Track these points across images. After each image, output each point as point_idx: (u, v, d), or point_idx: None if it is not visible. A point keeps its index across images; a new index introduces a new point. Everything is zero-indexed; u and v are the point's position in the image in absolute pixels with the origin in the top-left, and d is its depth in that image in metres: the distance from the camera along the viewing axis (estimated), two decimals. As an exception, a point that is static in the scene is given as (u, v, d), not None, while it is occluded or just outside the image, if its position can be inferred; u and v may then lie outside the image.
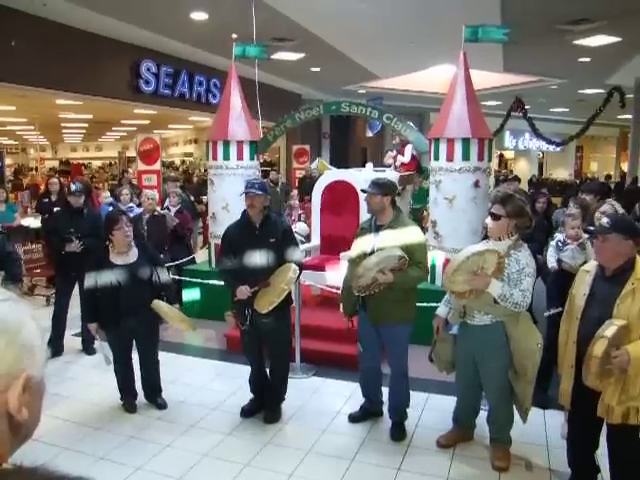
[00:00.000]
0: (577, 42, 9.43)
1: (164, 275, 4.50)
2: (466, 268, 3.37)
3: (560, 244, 4.47)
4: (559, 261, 4.43)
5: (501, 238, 3.49)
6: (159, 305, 4.31)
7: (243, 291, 4.03)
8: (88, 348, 5.72)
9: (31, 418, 0.78)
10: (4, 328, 0.76)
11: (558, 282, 4.32)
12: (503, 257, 3.37)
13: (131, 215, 5.62)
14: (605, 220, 3.04)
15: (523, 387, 3.57)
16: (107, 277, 4.22)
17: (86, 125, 18.70)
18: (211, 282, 6.25)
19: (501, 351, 3.51)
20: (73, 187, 5.73)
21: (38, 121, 15.75)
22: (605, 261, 3.00)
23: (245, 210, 4.22)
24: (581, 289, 3.11)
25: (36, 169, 20.74)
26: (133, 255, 4.34)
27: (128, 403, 4.51)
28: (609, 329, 2.76)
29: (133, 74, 10.50)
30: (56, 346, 5.60)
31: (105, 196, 8.99)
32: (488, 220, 3.56)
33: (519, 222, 3.48)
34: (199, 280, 6.78)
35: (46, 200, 8.19)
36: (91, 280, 4.27)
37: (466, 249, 3.49)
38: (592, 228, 3.31)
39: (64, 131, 21.28)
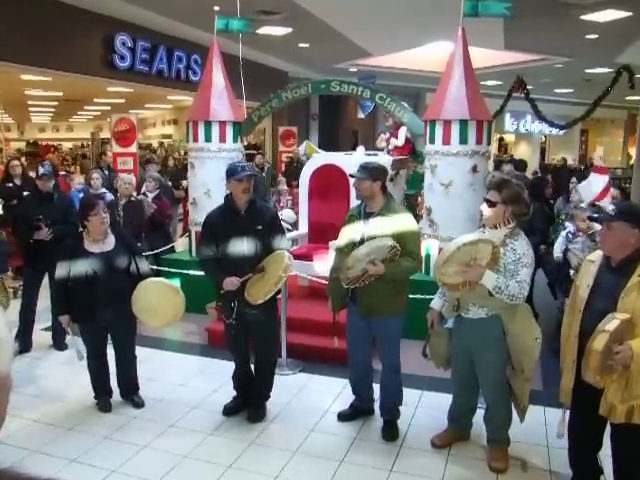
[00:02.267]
0: (584, 17, 9.41)
1: (143, 265, 4.48)
2: (458, 259, 3.38)
3: (570, 235, 4.53)
4: (565, 251, 4.49)
5: (497, 226, 3.51)
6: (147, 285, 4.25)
7: (232, 282, 4.02)
8: (59, 343, 5.70)
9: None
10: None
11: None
12: (498, 247, 3.39)
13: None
14: (611, 207, 3.07)
15: (521, 384, 3.61)
16: (81, 266, 4.20)
17: (56, 103, 18.49)
18: (191, 272, 6.24)
19: (497, 346, 3.54)
20: (42, 170, 5.66)
21: (2, 98, 15.53)
22: (610, 250, 3.03)
23: (228, 195, 4.20)
24: (585, 280, 3.13)
25: (0, 150, 20.50)
26: (109, 243, 4.32)
27: (102, 402, 4.52)
28: (611, 323, 2.78)
29: (107, 48, 10.37)
30: (24, 341, 5.58)
31: (77, 182, 8.90)
32: (483, 207, 3.57)
33: (516, 209, 3.49)
34: (179, 270, 6.77)
35: (10, 185, 8.10)
36: (63, 269, 4.24)
37: (458, 239, 3.50)
38: (596, 215, 3.33)
39: (31, 109, 21.01)
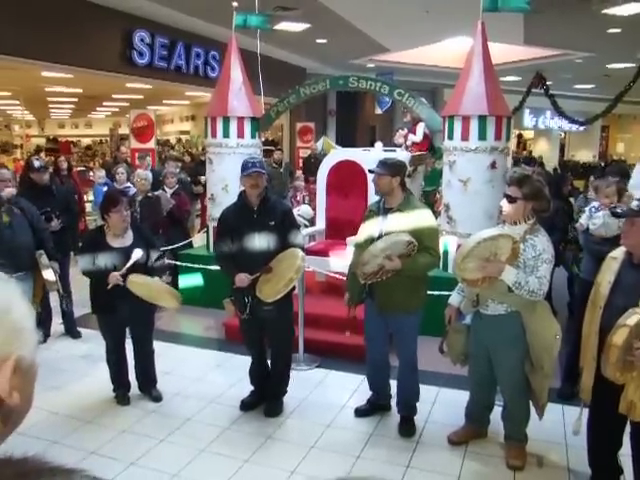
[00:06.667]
0: (606, 11, 9.29)
1: (155, 257, 4.48)
2: (477, 254, 3.36)
3: (594, 210, 4.53)
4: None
5: (517, 222, 3.48)
6: (134, 281, 4.18)
7: (242, 279, 4.04)
8: (72, 331, 5.88)
9: (22, 403, 0.78)
10: (-8, 308, 0.76)
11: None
12: (518, 242, 3.36)
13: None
14: (635, 203, 3.03)
15: (540, 381, 3.58)
16: (103, 260, 4.24)
17: (75, 100, 18.64)
18: (209, 267, 6.27)
19: (516, 343, 3.52)
20: (37, 163, 5.72)
21: (23, 95, 15.70)
22: (632, 246, 2.99)
23: (242, 192, 4.21)
24: (607, 276, 3.10)
25: (21, 146, 20.73)
26: (129, 238, 4.36)
27: (121, 395, 4.56)
28: (632, 317, 2.75)
29: (125, 45, 10.44)
30: (43, 330, 5.65)
31: (99, 175, 8.98)
32: (503, 203, 3.55)
33: (536, 205, 3.47)
34: (196, 265, 6.81)
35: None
36: (87, 262, 4.28)
37: (477, 234, 3.48)
38: (620, 211, 3.29)
39: (51, 106, 21.21)
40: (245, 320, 4.28)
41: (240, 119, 6.79)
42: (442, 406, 4.50)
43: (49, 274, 4.65)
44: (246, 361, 4.60)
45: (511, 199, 3.48)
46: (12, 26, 8.04)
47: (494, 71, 5.97)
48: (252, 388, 4.52)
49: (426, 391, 4.37)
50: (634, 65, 12.52)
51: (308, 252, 4.59)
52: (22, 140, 21.16)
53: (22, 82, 13.10)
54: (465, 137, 5.82)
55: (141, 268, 4.31)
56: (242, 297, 4.18)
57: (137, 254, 4.20)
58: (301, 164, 14.10)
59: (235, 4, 7.94)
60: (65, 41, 9.04)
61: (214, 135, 6.88)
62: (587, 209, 4.72)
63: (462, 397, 4.10)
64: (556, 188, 6.37)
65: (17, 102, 17.12)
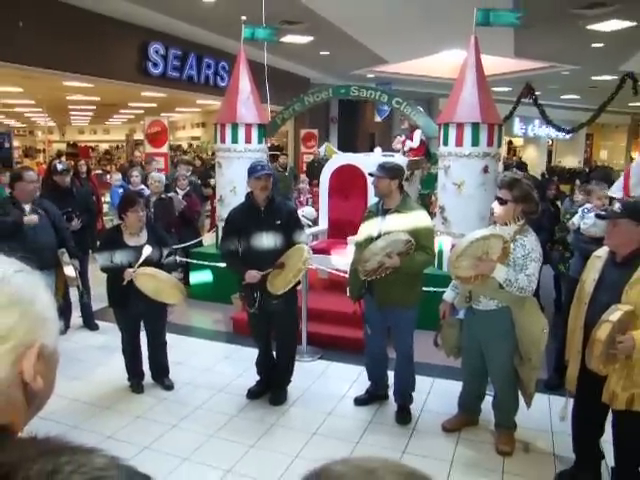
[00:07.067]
0: (590, 27, 9.27)
1: (168, 256, 4.48)
2: (470, 253, 3.36)
3: (586, 211, 4.55)
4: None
5: (507, 223, 3.48)
6: (143, 272, 4.13)
7: (254, 275, 4.03)
8: (90, 323, 5.87)
9: (45, 387, 0.79)
10: (18, 299, 0.76)
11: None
12: (508, 242, 3.36)
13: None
14: (617, 205, 3.03)
15: (528, 373, 3.58)
16: (120, 257, 4.24)
17: (94, 107, 18.66)
18: (218, 265, 6.27)
19: (506, 336, 3.51)
20: (60, 166, 5.72)
21: (46, 103, 15.72)
22: (615, 246, 2.99)
23: (249, 193, 4.21)
24: (591, 274, 3.10)
25: (44, 151, 20.77)
26: (144, 237, 4.36)
27: (135, 384, 4.56)
28: (614, 314, 2.76)
29: (141, 56, 10.44)
30: (64, 322, 5.66)
31: (116, 178, 9.00)
32: (495, 205, 3.55)
33: (525, 207, 3.47)
34: (206, 263, 6.81)
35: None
36: (105, 259, 4.28)
37: (471, 234, 3.48)
38: (603, 213, 3.29)
39: (72, 113, 21.24)
40: (254, 314, 4.28)
41: (248, 126, 6.78)
42: (436, 396, 4.49)
43: (70, 271, 4.66)
44: (252, 353, 4.60)
45: (502, 201, 3.48)
46: (37, 40, 8.05)
47: (486, 82, 5.96)
48: (258, 378, 4.52)
49: (421, 381, 4.37)
50: (616, 77, 12.52)
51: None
52: (44, 145, 21.22)
53: (45, 91, 13.12)
54: (459, 143, 5.81)
55: (154, 265, 4.31)
56: (251, 293, 4.18)
57: (147, 250, 4.20)
58: (305, 168, 14.09)
59: (244, 18, 7.95)
60: (85, 53, 9.04)
61: (223, 141, 6.87)
62: (580, 210, 4.73)
63: (455, 387, 4.10)
64: (541, 191, 6.38)
65: (40, 109, 17.15)
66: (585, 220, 4.48)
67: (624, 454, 3.06)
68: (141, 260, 4.15)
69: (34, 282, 0.81)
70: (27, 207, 4.70)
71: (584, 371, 3.01)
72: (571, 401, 3.36)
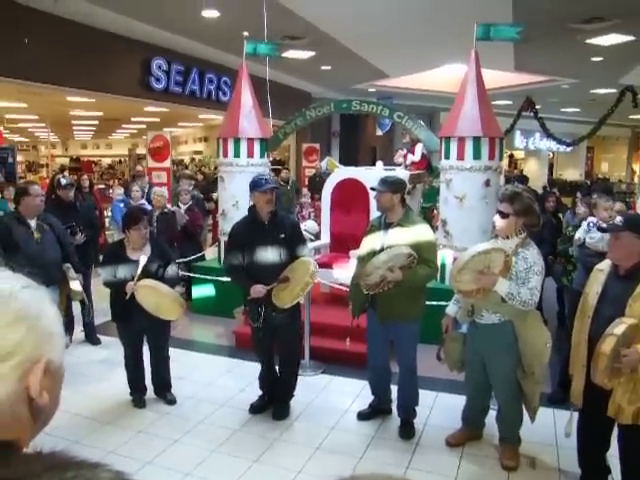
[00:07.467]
0: (589, 41, 9.34)
1: (170, 270, 4.45)
2: (472, 267, 3.36)
3: (592, 225, 4.53)
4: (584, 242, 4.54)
5: (509, 236, 3.48)
6: (143, 284, 4.11)
7: (259, 290, 4.02)
8: (92, 338, 5.88)
9: (51, 403, 0.79)
10: (25, 314, 0.77)
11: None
12: (510, 255, 3.36)
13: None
14: (619, 218, 3.04)
15: (531, 387, 3.56)
16: (123, 272, 4.24)
17: (97, 122, 18.76)
18: (221, 279, 6.27)
19: (509, 350, 3.50)
20: (64, 180, 5.76)
21: (49, 118, 15.81)
22: (617, 259, 2.99)
23: (252, 207, 4.21)
24: (594, 287, 3.10)
25: (47, 166, 20.86)
26: (147, 251, 4.37)
27: (137, 398, 4.54)
28: (619, 327, 2.75)
29: (144, 71, 10.51)
30: (68, 335, 5.66)
31: (117, 193, 9.03)
32: (496, 218, 3.55)
33: (527, 220, 3.47)
34: (208, 277, 6.81)
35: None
36: (109, 273, 4.28)
37: (472, 248, 3.47)
38: (605, 226, 3.29)
39: (75, 128, 21.34)
40: (257, 328, 4.26)
41: (250, 140, 6.81)
42: (440, 410, 4.47)
43: (76, 285, 4.67)
44: (255, 367, 4.58)
45: (503, 215, 3.48)
46: (41, 56, 8.11)
47: (487, 95, 5.99)
48: (261, 392, 4.50)
49: (425, 396, 4.34)
50: (616, 90, 12.58)
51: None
52: (47, 160, 21.29)
53: (49, 106, 13.18)
54: (461, 157, 5.83)
55: (155, 278, 4.31)
56: (256, 307, 4.17)
57: (143, 260, 4.20)
58: (307, 182, 14.10)
59: (246, 33, 8.02)
60: (89, 69, 9.11)
61: (225, 155, 6.90)
62: (584, 224, 4.71)
63: (459, 401, 4.08)
64: (541, 204, 6.38)
65: (43, 124, 17.23)
66: (591, 234, 4.46)
67: (630, 469, 3.04)
68: (139, 271, 4.14)
69: (40, 298, 0.81)
70: (32, 222, 4.69)
71: (589, 385, 3.00)
72: (576, 415, 3.34)
